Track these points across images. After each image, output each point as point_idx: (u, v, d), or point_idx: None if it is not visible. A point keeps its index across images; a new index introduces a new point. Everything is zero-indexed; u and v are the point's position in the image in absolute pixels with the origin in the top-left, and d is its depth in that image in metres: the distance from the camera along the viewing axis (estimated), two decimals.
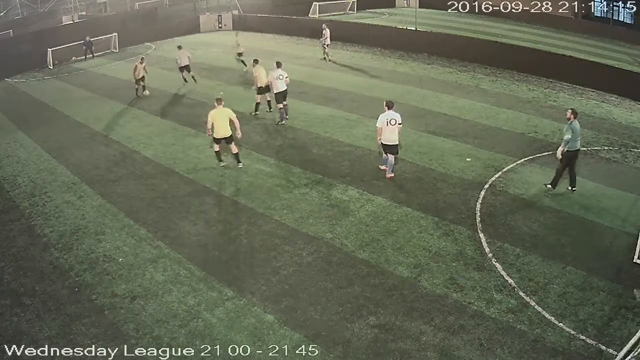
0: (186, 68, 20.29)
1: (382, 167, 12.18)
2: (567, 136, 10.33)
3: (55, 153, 14.08)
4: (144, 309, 7.78)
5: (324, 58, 24.40)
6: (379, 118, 11.34)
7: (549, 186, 10.94)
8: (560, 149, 10.52)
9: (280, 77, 15.15)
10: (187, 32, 32.78)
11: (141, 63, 19.01)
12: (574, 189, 10.96)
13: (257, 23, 33.66)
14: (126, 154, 13.80)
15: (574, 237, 9.47)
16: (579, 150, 10.71)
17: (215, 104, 12.03)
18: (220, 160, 12.59)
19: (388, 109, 11.32)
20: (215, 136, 12.02)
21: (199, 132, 15.07)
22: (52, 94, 20.49)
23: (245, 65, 22.04)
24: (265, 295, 8.01)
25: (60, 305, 7.88)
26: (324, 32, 24.12)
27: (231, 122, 11.96)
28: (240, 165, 12.48)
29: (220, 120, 11.88)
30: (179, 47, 20.62)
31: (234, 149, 12.30)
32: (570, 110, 10.58)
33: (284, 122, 15.60)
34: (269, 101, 16.36)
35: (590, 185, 11.28)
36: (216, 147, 12.35)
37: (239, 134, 12.15)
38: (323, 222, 10.10)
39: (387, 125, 11.26)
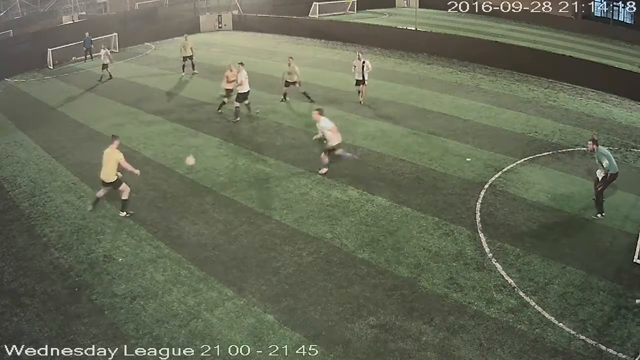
0: (105, 67, 21.75)
1: (322, 172, 12.04)
2: (606, 162, 9.71)
3: (55, 153, 14.08)
4: (144, 309, 7.78)
5: (360, 102, 17.32)
6: (324, 124, 11.56)
7: (599, 215, 10.07)
8: (602, 173, 9.89)
9: (247, 77, 15.81)
10: (187, 32, 32.62)
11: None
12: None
13: (257, 23, 33.66)
14: (126, 154, 13.51)
15: (574, 237, 9.47)
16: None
17: (112, 140, 10.28)
18: (92, 205, 10.63)
19: (322, 115, 11.70)
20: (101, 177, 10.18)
21: (199, 133, 15.08)
22: (52, 94, 20.47)
23: (184, 71, 22.07)
24: (265, 295, 8.01)
25: (60, 305, 7.88)
26: (359, 63, 16.87)
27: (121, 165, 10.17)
28: (122, 214, 10.45)
29: (105, 162, 10.03)
30: (103, 47, 22.29)
31: (124, 194, 10.31)
32: (590, 142, 9.92)
33: (238, 119, 15.93)
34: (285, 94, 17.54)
35: (590, 185, 11.27)
36: (100, 192, 10.46)
37: (136, 172, 10.35)
38: (323, 222, 10.09)
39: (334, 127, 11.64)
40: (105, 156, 10.15)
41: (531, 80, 20.41)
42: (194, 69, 22.28)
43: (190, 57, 22.03)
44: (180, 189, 11.68)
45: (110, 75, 21.99)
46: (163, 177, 12.30)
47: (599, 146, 9.94)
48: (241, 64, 15.89)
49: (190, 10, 37.19)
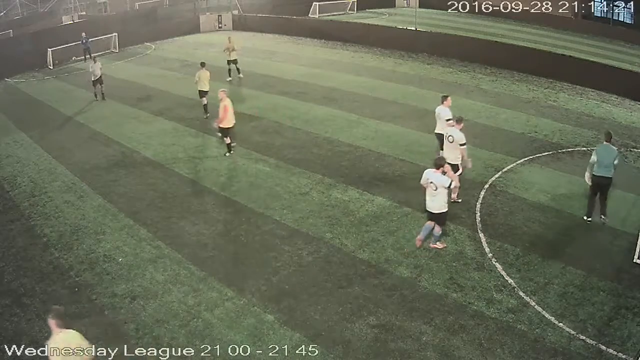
0: (99, 81, 18.66)
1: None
2: (593, 157, 9.49)
3: (55, 153, 14.07)
4: (144, 309, 7.78)
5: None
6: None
7: (586, 218, 9.79)
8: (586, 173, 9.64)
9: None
10: (187, 32, 32.77)
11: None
12: (589, 219, 9.86)
13: (257, 23, 33.65)
14: (126, 154, 13.80)
15: (574, 237, 9.47)
16: (604, 177, 9.43)
17: None
18: None
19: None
20: None
21: (198, 133, 15.08)
22: (52, 94, 20.47)
23: (239, 72, 20.82)
24: (265, 295, 8.00)
25: (60, 305, 7.86)
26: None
27: None
28: None
29: None
30: (94, 60, 19.24)
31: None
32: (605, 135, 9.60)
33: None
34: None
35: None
36: None
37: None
38: (323, 222, 10.09)
39: None
40: None
41: (531, 80, 20.40)
42: (238, 73, 20.84)
43: (235, 61, 20.56)
44: (180, 189, 11.68)
45: (99, 95, 18.96)
46: (163, 177, 12.30)
47: (606, 142, 9.49)
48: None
49: (190, 10, 37.22)
